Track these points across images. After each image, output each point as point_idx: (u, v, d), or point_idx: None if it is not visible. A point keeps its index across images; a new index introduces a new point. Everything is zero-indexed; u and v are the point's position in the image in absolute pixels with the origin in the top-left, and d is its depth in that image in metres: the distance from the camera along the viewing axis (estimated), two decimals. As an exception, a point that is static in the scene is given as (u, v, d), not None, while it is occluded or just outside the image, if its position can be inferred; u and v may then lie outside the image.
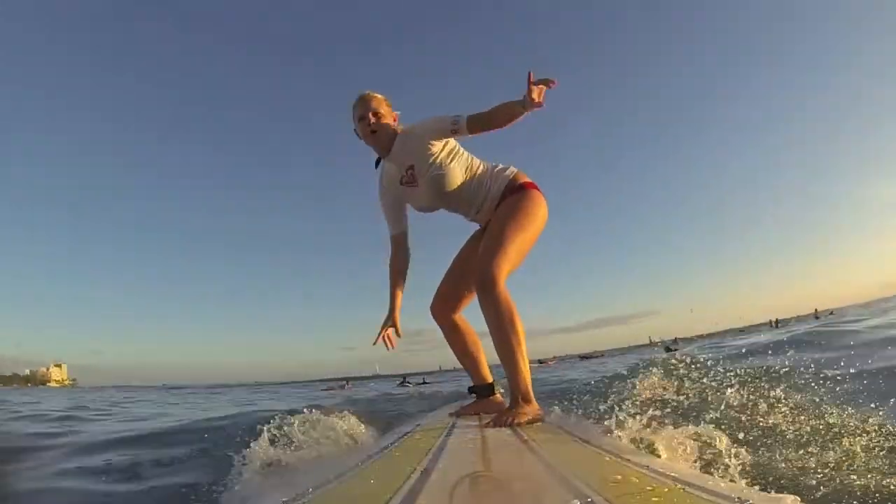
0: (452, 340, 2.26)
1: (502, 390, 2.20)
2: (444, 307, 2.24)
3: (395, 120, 2.17)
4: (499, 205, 2.11)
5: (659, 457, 1.49)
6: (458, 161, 2.10)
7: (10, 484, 2.17)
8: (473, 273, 1.95)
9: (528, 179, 2.14)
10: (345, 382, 40.67)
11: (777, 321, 49.39)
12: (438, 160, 2.06)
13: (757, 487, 1.05)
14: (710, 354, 5.14)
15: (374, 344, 2.16)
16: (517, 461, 1.13)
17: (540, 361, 48.86)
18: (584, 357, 50.37)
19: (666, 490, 0.82)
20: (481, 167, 2.16)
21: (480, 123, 1.98)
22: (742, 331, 54.08)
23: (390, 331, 2.17)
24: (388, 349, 2.16)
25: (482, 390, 2.23)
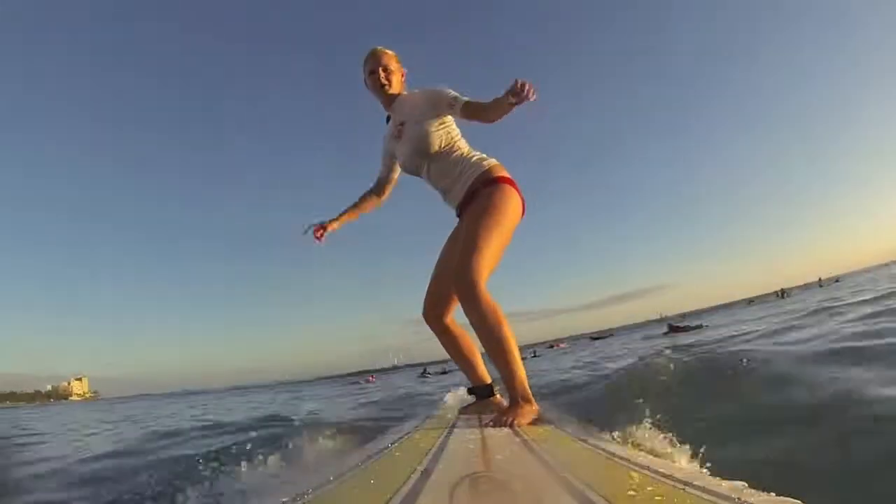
0: (446, 345, 2.25)
1: (500, 388, 2.19)
2: (434, 311, 2.23)
3: (402, 76, 2.31)
4: (471, 193, 2.10)
5: (658, 457, 1.49)
6: (443, 131, 2.16)
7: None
8: (455, 273, 1.92)
9: (504, 174, 2.12)
10: (370, 376, 40.94)
11: (783, 291, 49.48)
12: (425, 122, 2.14)
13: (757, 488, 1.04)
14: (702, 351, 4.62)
15: (304, 234, 2.30)
16: (517, 461, 1.13)
17: (551, 345, 48.47)
18: (594, 338, 49.90)
19: (666, 490, 0.82)
20: (463, 149, 2.20)
21: (475, 111, 2.02)
22: (751, 301, 53.82)
23: (328, 227, 2.32)
24: (315, 243, 2.30)
25: (481, 391, 2.23)
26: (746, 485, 0.88)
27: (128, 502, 2.15)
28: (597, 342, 32.07)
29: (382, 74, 2.23)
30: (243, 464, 2.27)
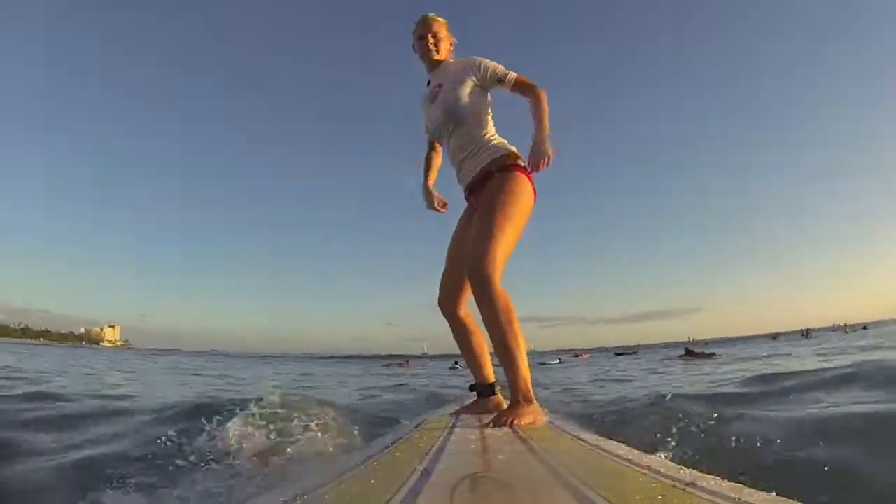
0: (458, 338, 2.24)
1: (501, 389, 2.19)
2: (449, 300, 2.21)
3: (451, 45, 2.36)
4: (484, 176, 2.10)
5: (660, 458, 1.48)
6: (476, 104, 2.18)
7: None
8: (465, 264, 1.92)
9: (521, 162, 2.11)
10: (406, 360, 41.66)
11: (807, 331, 50.72)
12: (462, 86, 2.17)
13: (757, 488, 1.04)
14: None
15: (435, 208, 2.38)
16: (517, 461, 1.13)
17: (575, 355, 48.79)
18: (618, 353, 50.46)
19: (666, 490, 0.82)
20: (489, 127, 2.21)
21: (522, 89, 2.12)
22: (774, 338, 54.75)
23: (436, 200, 2.38)
24: (442, 210, 2.38)
25: (483, 389, 2.22)
26: (746, 485, 0.87)
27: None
28: (620, 357, 32.97)
29: (431, 40, 2.30)
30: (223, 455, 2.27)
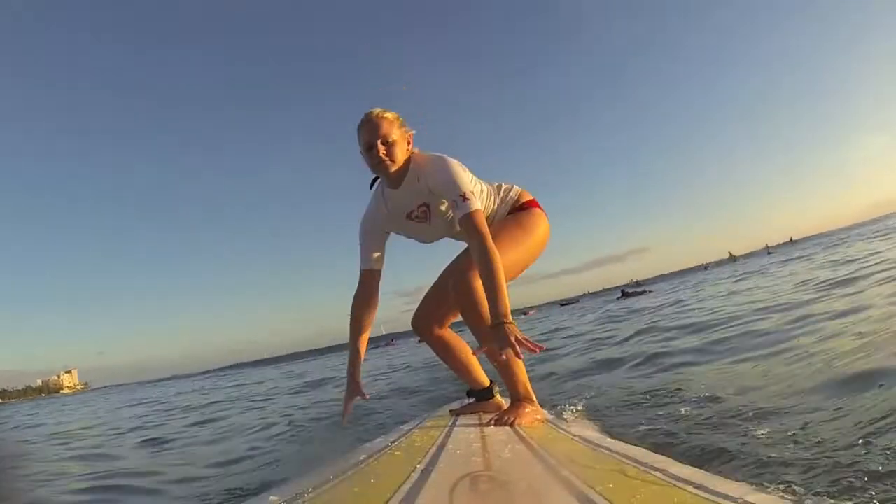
0: (440, 352, 2.15)
1: (500, 389, 2.15)
2: (428, 322, 2.08)
3: (409, 143, 1.90)
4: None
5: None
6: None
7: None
8: (452, 285, 1.83)
9: (530, 197, 2.07)
10: (392, 340, 41.03)
11: (733, 256, 55.87)
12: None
13: (758, 486, 1.06)
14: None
15: (343, 424, 1.93)
16: (517, 461, 1.12)
17: (524, 313, 49.39)
18: (563, 304, 52.98)
19: (667, 489, 0.82)
20: (491, 194, 2.02)
21: (468, 233, 1.74)
22: (705, 268, 58.00)
23: (351, 403, 1.89)
24: (344, 423, 1.94)
25: (481, 394, 2.15)
26: (747, 484, 0.88)
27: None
28: (564, 308, 35.61)
29: (382, 149, 1.81)
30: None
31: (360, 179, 2.05)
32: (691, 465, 1.28)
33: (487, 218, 1.96)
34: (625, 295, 27.26)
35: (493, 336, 1.53)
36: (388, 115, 1.87)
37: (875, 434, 1.45)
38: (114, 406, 14.21)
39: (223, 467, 2.91)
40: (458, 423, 1.85)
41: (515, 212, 2.04)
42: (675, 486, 0.83)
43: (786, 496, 0.82)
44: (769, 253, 45.15)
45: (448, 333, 2.13)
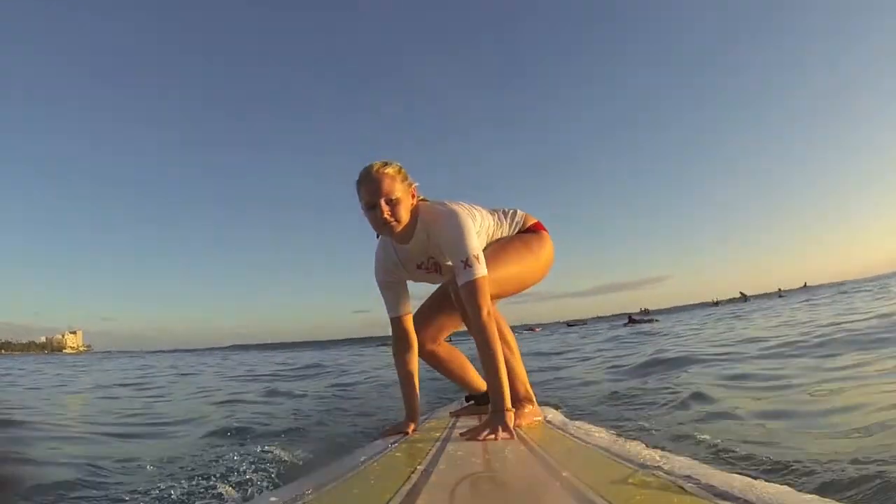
0: (437, 366, 2.13)
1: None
2: (422, 340, 2.01)
3: (413, 196, 1.78)
4: None
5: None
6: (480, 239, 1.85)
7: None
8: (456, 295, 1.76)
9: (535, 220, 2.05)
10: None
11: (744, 295, 57.22)
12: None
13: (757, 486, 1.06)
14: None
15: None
16: (517, 461, 1.13)
17: (530, 329, 49.79)
18: (570, 325, 53.32)
19: (667, 489, 0.81)
20: (496, 226, 1.95)
21: (468, 300, 1.66)
22: (715, 304, 59.17)
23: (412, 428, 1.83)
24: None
25: (479, 398, 2.16)
26: (747, 484, 0.88)
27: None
28: (571, 328, 35.78)
29: (387, 209, 1.68)
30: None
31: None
32: (691, 465, 1.28)
33: (497, 240, 1.94)
34: (631, 321, 28.44)
35: (491, 421, 1.49)
36: (390, 169, 1.72)
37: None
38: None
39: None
40: (457, 423, 1.86)
41: (521, 233, 2.00)
42: (675, 486, 0.83)
43: (786, 496, 0.81)
44: (780, 296, 46.49)
45: (442, 348, 2.10)
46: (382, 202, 1.68)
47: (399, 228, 1.72)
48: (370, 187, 1.69)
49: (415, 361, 1.93)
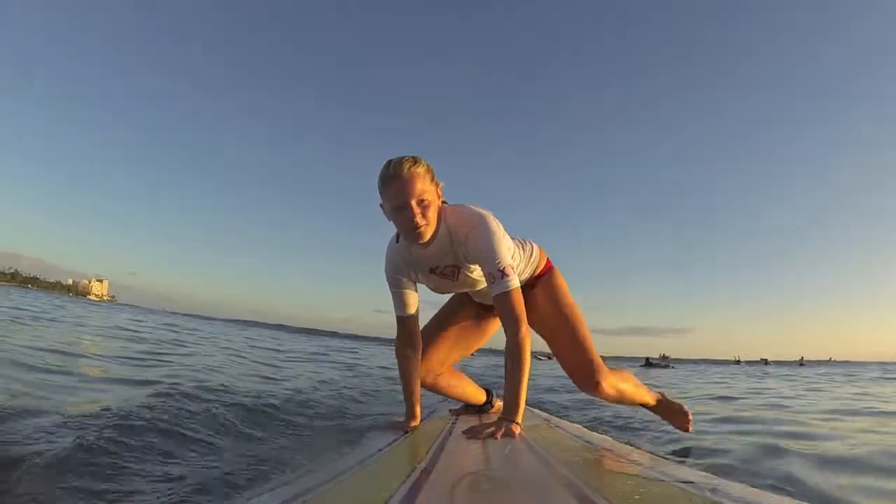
0: (444, 391, 2.13)
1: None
2: (425, 370, 1.99)
3: (440, 197, 1.65)
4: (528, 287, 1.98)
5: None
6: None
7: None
8: (575, 373, 1.90)
9: (546, 257, 2.04)
10: None
11: (766, 361, 58.85)
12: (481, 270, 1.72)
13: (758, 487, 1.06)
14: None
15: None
16: (517, 460, 1.12)
17: (549, 357, 49.87)
18: None
19: (666, 490, 0.81)
20: (517, 254, 1.87)
21: (503, 312, 1.60)
22: (737, 362, 60.78)
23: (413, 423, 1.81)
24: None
25: (481, 408, 2.23)
26: (747, 485, 0.87)
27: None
28: None
29: (418, 212, 1.55)
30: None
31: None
32: (690, 465, 1.25)
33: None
34: (648, 364, 28.97)
35: (497, 422, 1.46)
36: (420, 168, 1.56)
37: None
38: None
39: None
40: (457, 423, 1.85)
41: (542, 278, 1.98)
42: (674, 486, 0.83)
43: (786, 497, 0.79)
44: (801, 365, 47.66)
45: (443, 377, 2.08)
46: (413, 203, 1.54)
47: (429, 233, 1.60)
48: (400, 187, 1.54)
49: (417, 361, 1.89)
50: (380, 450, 1.40)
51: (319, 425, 2.92)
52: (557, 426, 1.82)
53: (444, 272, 1.76)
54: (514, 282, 1.60)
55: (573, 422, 2.15)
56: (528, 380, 1.59)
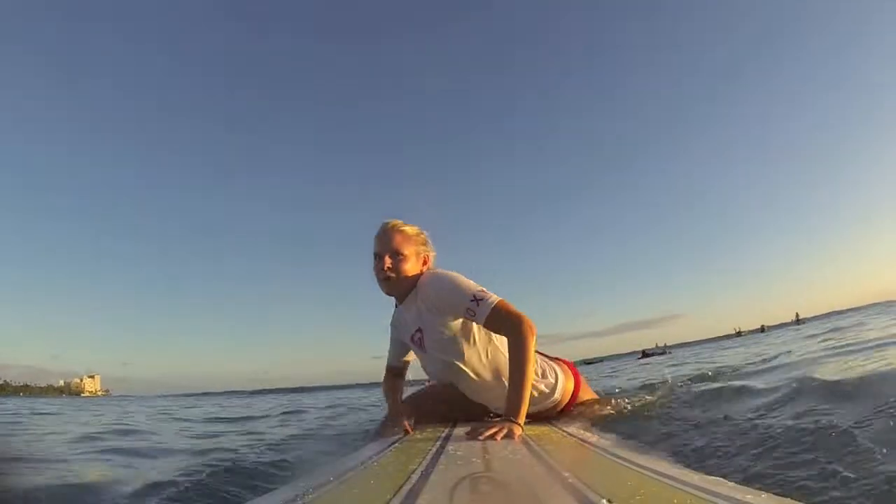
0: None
1: None
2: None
3: (425, 263, 1.79)
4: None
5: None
6: (477, 348, 1.72)
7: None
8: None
9: (574, 375, 2.04)
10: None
11: (763, 327, 58.49)
12: (449, 338, 1.70)
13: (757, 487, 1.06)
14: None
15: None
16: (517, 461, 1.12)
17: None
18: (587, 363, 54.79)
19: (666, 490, 0.81)
20: (504, 364, 1.73)
21: (498, 325, 1.59)
22: (739, 334, 59.78)
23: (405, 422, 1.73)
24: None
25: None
26: (746, 485, 0.87)
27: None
28: (588, 366, 36.40)
29: (388, 262, 1.70)
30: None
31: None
32: (689, 465, 1.26)
33: (495, 391, 1.77)
34: (645, 355, 29.97)
35: (498, 422, 1.45)
36: (408, 229, 1.77)
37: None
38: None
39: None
40: (457, 424, 1.84)
41: (567, 412, 1.95)
42: (673, 486, 0.82)
43: (785, 497, 0.80)
44: (798, 323, 48.33)
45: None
46: (387, 256, 1.73)
47: (395, 282, 1.72)
48: (383, 239, 1.76)
49: (401, 384, 2.06)
50: (380, 451, 1.40)
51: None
52: (558, 427, 1.80)
53: (416, 342, 1.80)
54: (494, 297, 1.60)
55: (571, 423, 2.15)
56: (531, 375, 1.57)
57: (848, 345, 4.70)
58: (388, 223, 1.77)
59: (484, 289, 1.63)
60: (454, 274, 1.71)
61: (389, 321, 1.98)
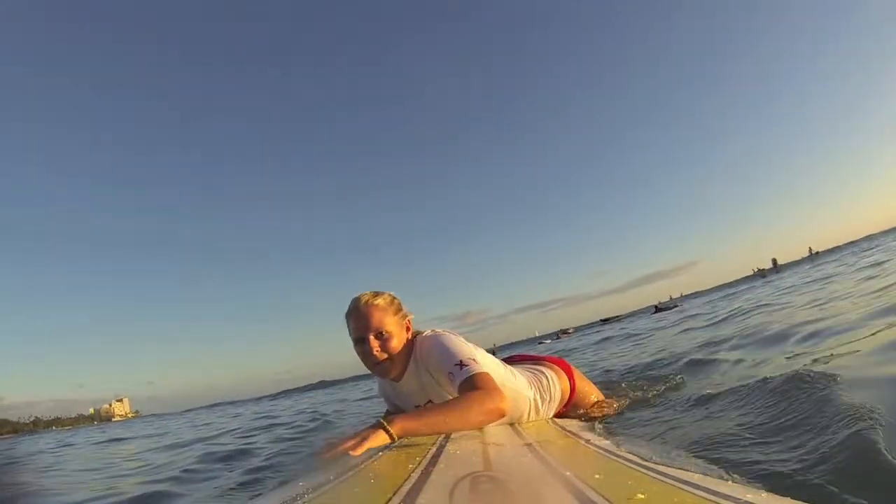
0: None
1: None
2: None
3: (408, 330, 1.68)
4: None
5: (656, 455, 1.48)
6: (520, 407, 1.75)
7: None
8: None
9: (567, 381, 2.04)
10: None
11: (775, 263, 57.88)
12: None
13: (758, 486, 1.06)
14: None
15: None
16: (517, 461, 1.12)
17: (557, 336, 48.79)
18: (604, 321, 54.63)
19: (666, 490, 0.81)
20: (532, 387, 1.80)
21: (465, 388, 1.48)
22: (764, 274, 58.04)
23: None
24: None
25: None
26: (746, 484, 0.86)
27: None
28: (605, 325, 35.73)
29: (376, 345, 1.59)
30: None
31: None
32: (689, 464, 1.25)
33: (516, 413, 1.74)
34: (658, 310, 29.88)
35: (372, 427, 1.36)
36: (380, 300, 1.62)
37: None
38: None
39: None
40: None
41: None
42: (674, 485, 0.82)
43: (784, 496, 0.79)
44: (812, 256, 47.78)
45: None
46: (372, 337, 1.58)
47: (392, 366, 1.62)
48: (359, 320, 1.60)
49: None
50: (380, 451, 1.39)
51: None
52: (557, 425, 1.80)
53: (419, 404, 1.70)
54: (479, 368, 1.49)
55: (571, 421, 2.14)
56: (452, 427, 1.43)
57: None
58: (359, 300, 1.62)
59: (475, 357, 1.53)
60: (450, 336, 1.62)
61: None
